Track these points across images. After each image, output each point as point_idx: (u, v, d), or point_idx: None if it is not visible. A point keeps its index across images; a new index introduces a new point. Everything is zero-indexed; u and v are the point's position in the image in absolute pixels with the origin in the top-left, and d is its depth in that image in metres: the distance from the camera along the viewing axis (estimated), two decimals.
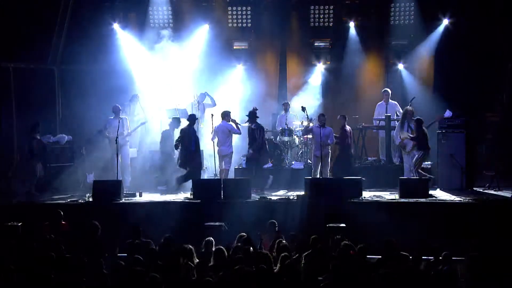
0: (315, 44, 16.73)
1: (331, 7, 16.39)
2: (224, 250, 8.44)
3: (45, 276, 7.25)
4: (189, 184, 12.87)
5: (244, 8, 16.46)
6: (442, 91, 15.82)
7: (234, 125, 13.42)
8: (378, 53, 16.58)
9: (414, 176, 12.71)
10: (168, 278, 7.55)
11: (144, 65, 15.58)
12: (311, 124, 14.29)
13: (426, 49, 16.13)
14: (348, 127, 13.77)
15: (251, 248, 8.77)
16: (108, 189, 12.18)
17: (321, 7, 16.39)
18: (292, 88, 16.78)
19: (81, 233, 9.82)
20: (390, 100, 14.97)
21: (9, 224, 10.45)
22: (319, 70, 16.69)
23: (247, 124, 14.32)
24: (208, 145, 13.83)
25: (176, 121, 13.68)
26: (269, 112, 15.98)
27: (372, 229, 10.62)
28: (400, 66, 16.44)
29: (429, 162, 14.14)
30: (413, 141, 13.00)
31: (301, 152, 14.96)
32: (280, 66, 16.91)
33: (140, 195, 12.78)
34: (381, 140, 15.05)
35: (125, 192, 12.58)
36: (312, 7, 16.43)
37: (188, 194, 12.67)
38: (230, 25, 16.57)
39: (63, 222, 10.50)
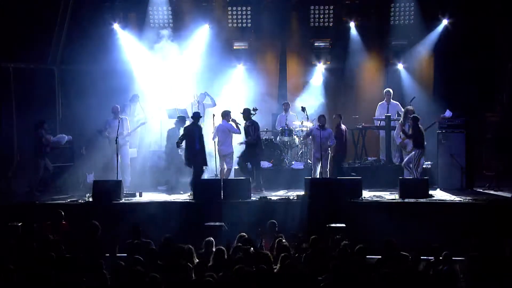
0: (315, 44, 16.74)
1: (331, 7, 16.40)
2: (224, 250, 8.44)
3: (45, 276, 7.25)
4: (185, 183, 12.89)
5: (244, 8, 16.46)
6: (442, 91, 15.84)
7: (234, 124, 13.42)
8: (378, 53, 16.58)
9: (415, 176, 12.69)
10: (168, 278, 7.55)
11: (144, 65, 15.57)
12: (310, 124, 14.31)
13: (424, 48, 16.13)
14: (343, 126, 13.76)
15: (252, 247, 8.77)
16: (108, 189, 12.18)
17: (321, 7, 16.40)
18: (292, 88, 16.79)
19: (81, 233, 9.82)
20: (391, 100, 14.96)
21: (9, 224, 10.44)
22: (319, 70, 16.70)
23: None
24: (209, 145, 13.82)
25: (182, 119, 13.67)
26: (269, 112, 15.99)
27: (372, 229, 10.62)
28: (400, 66, 16.45)
29: (429, 162, 14.14)
30: (408, 138, 13.01)
31: (301, 152, 14.96)
32: (280, 66, 16.91)
33: (140, 195, 12.79)
34: (382, 140, 15.04)
35: (125, 192, 12.59)
36: (312, 7, 16.43)
37: (188, 194, 12.68)
38: (230, 25, 16.57)
39: (63, 222, 10.51)
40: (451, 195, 12.53)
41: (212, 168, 13.80)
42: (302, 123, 14.76)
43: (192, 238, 9.50)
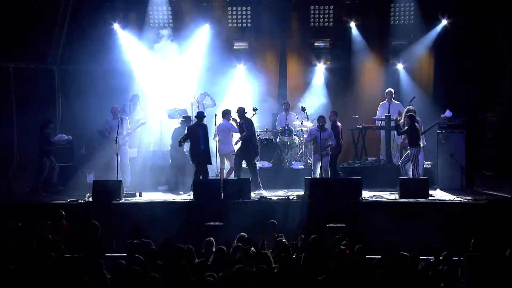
0: (315, 44, 16.75)
1: (331, 7, 16.40)
2: (224, 250, 8.43)
3: (45, 276, 7.25)
4: (189, 184, 12.87)
5: (244, 8, 16.46)
6: (442, 91, 15.85)
7: (234, 124, 13.43)
8: (378, 53, 16.58)
9: (416, 175, 12.69)
10: (168, 278, 7.55)
11: (144, 65, 15.57)
12: (310, 124, 14.31)
13: (422, 47, 16.12)
14: (339, 124, 13.76)
15: (252, 247, 8.78)
16: (108, 189, 12.17)
17: (321, 7, 16.41)
18: (292, 88, 16.80)
19: (81, 233, 9.82)
20: (393, 100, 14.95)
21: (9, 224, 10.43)
22: (320, 70, 16.70)
23: None
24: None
25: (187, 119, 13.65)
26: (269, 112, 15.99)
27: (372, 229, 10.62)
28: (400, 66, 16.45)
29: (429, 162, 14.15)
30: (403, 134, 13.02)
31: (301, 152, 14.96)
32: (280, 66, 16.92)
33: (140, 195, 12.78)
34: (382, 140, 15.04)
35: (125, 192, 12.58)
36: (312, 7, 16.44)
37: (188, 194, 12.68)
38: (230, 25, 16.58)
39: (63, 222, 10.50)
40: (451, 195, 12.53)
41: (213, 168, 13.80)
42: (302, 123, 14.77)
43: (192, 238, 9.50)
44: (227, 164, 13.41)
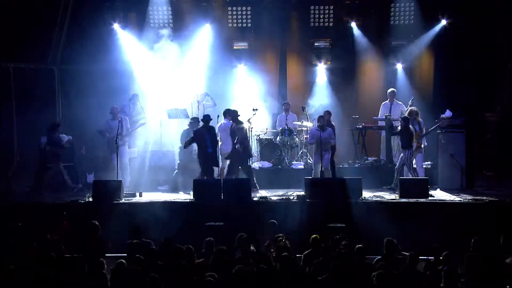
0: (315, 44, 16.73)
1: (331, 7, 16.40)
2: (225, 250, 8.44)
3: (45, 276, 7.25)
4: (189, 184, 12.86)
5: (244, 8, 16.46)
6: (442, 91, 15.84)
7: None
8: (378, 53, 16.56)
9: (413, 176, 12.72)
10: (168, 278, 7.55)
11: (144, 65, 15.57)
12: (310, 124, 14.31)
13: (420, 46, 16.11)
14: (332, 123, 13.74)
15: (253, 247, 8.79)
16: (108, 189, 12.17)
17: (321, 7, 16.40)
18: (292, 88, 16.80)
19: (81, 233, 9.82)
20: (395, 100, 14.94)
21: (9, 224, 10.43)
22: (321, 70, 16.70)
23: (248, 124, 14.34)
24: None
25: (195, 121, 13.62)
26: (269, 112, 15.98)
27: (372, 229, 10.62)
28: (400, 66, 16.45)
29: (429, 162, 14.14)
30: (396, 135, 13.04)
31: (301, 152, 14.96)
32: (280, 66, 16.91)
33: (140, 195, 12.78)
34: (383, 140, 15.03)
35: (125, 192, 12.58)
36: (312, 7, 16.43)
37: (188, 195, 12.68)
38: (230, 25, 16.57)
39: (64, 222, 10.51)
40: (451, 195, 12.53)
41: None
42: (302, 123, 14.77)
43: (192, 238, 9.51)
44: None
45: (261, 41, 16.78)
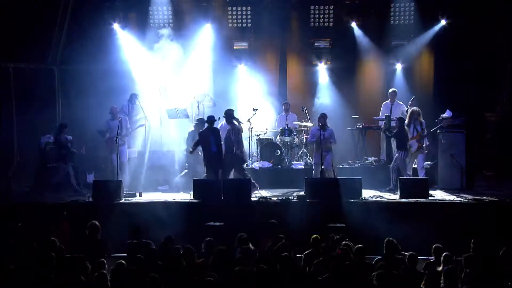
0: (315, 44, 16.73)
1: (331, 7, 16.40)
2: (225, 250, 8.44)
3: (45, 276, 7.25)
4: (189, 184, 12.87)
5: (244, 8, 16.45)
6: (442, 91, 15.85)
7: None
8: (378, 53, 16.56)
9: (392, 177, 12.85)
10: (168, 278, 7.55)
11: (144, 65, 15.57)
12: (310, 125, 14.31)
13: (419, 45, 16.11)
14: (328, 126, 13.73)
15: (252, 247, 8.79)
16: (108, 189, 12.17)
17: (321, 7, 16.40)
18: (292, 88, 16.79)
19: (82, 233, 9.81)
20: (396, 100, 14.93)
21: (9, 224, 10.44)
22: (321, 70, 16.70)
23: (248, 124, 14.35)
24: None
25: (201, 122, 13.57)
26: (269, 112, 15.96)
27: (372, 229, 10.62)
28: (400, 66, 16.45)
29: (429, 162, 14.14)
30: (392, 137, 13.06)
31: (301, 152, 14.96)
32: (280, 66, 16.91)
33: (140, 195, 12.78)
34: (382, 140, 15.02)
35: (125, 192, 12.58)
36: (312, 7, 16.43)
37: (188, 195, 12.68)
38: (230, 25, 16.56)
39: (65, 223, 10.52)
40: (451, 195, 12.54)
41: None
42: (302, 123, 14.77)
43: (192, 238, 9.51)
44: None
45: (261, 41, 16.77)
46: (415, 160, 13.54)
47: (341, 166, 14.20)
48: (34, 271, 7.39)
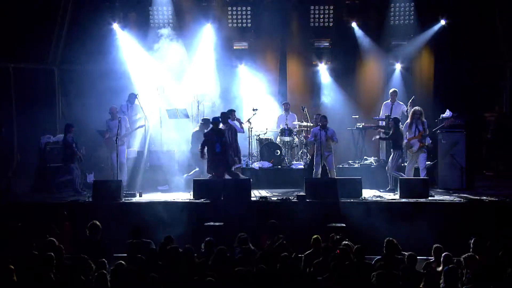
0: (315, 44, 16.74)
1: (331, 7, 16.40)
2: (225, 250, 8.44)
3: (45, 276, 7.25)
4: (189, 184, 12.87)
5: (244, 8, 16.46)
6: (442, 91, 15.84)
7: (238, 124, 13.42)
8: (378, 53, 16.56)
9: (390, 177, 12.89)
10: (168, 278, 7.55)
11: (144, 65, 15.57)
12: (310, 125, 14.31)
13: (418, 45, 16.11)
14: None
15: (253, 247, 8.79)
16: (108, 189, 12.17)
17: (321, 7, 16.40)
18: (292, 88, 16.79)
19: (82, 233, 9.81)
20: (396, 100, 14.92)
21: (9, 224, 10.43)
22: (321, 70, 16.70)
23: (248, 124, 14.36)
24: None
25: (206, 122, 13.57)
26: (269, 112, 15.97)
27: (372, 229, 10.62)
28: (400, 66, 16.45)
29: (429, 162, 14.14)
30: (388, 140, 13.06)
31: (301, 152, 14.96)
32: (280, 66, 16.90)
33: (140, 195, 12.78)
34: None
35: (125, 192, 12.58)
36: (312, 7, 16.43)
37: (188, 194, 12.68)
38: (230, 25, 16.56)
39: (66, 223, 10.51)
40: (451, 195, 12.54)
41: None
42: (302, 122, 14.77)
43: (192, 238, 9.50)
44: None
45: (261, 41, 16.77)
46: (417, 160, 13.51)
47: (341, 166, 14.20)
48: (34, 271, 7.39)
